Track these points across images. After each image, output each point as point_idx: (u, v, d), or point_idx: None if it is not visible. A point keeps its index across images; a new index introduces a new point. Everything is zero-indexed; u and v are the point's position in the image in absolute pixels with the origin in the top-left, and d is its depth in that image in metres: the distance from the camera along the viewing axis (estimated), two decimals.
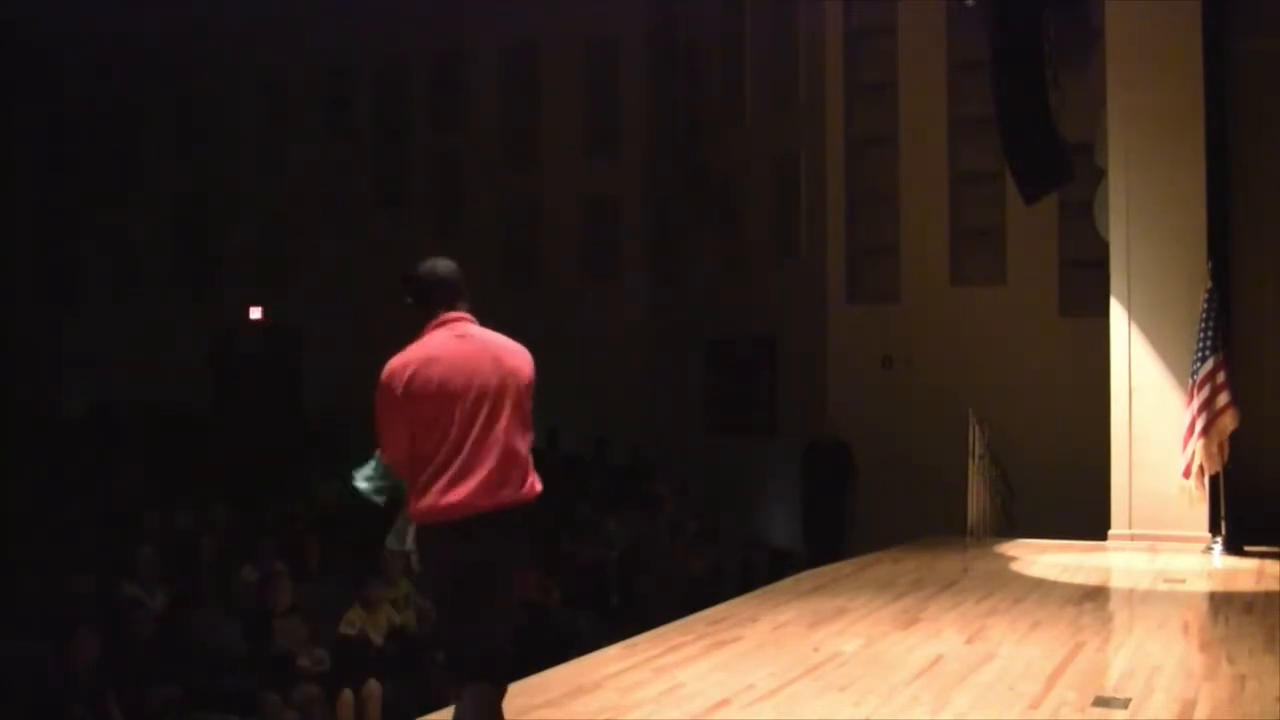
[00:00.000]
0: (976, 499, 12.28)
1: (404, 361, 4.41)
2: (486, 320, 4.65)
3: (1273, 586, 9.34)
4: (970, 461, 12.22)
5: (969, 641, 7.39)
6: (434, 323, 4.52)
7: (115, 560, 9.62)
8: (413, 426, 4.37)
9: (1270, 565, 10.25)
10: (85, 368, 21.45)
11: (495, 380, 4.44)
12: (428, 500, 4.34)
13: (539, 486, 4.53)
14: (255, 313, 21.80)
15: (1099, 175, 12.27)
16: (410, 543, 4.59)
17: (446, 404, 4.36)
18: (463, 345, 4.47)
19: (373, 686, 8.62)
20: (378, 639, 9.15)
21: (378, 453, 4.62)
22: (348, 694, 8.50)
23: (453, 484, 4.33)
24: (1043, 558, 10.89)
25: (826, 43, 16.44)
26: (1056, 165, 11.67)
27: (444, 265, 4.61)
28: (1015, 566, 10.53)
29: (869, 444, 14.68)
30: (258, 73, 21.61)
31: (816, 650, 7.07)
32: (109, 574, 9.28)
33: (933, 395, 14.88)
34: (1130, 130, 11.63)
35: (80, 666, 7.50)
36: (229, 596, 9.65)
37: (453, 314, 4.53)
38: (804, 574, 10.28)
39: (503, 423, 4.42)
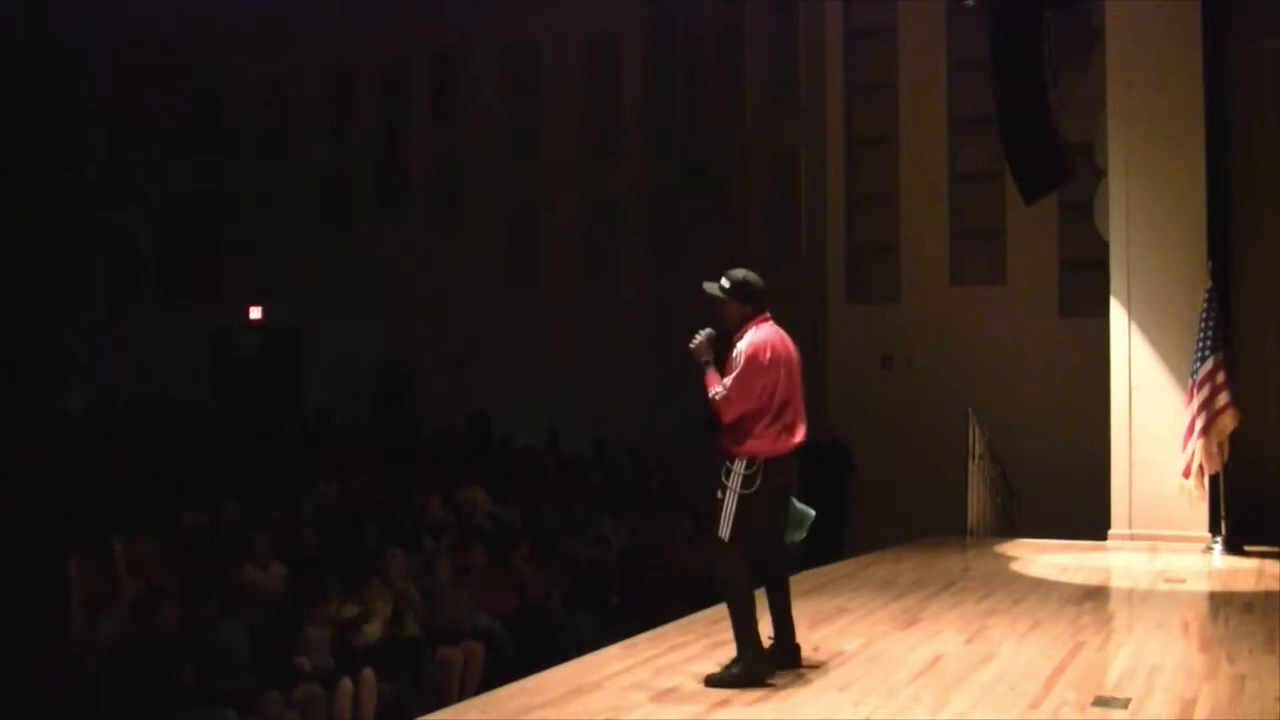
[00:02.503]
0: (976, 499, 12.29)
1: (761, 344, 6.34)
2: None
3: (1273, 586, 9.35)
4: (970, 461, 12.23)
5: (969, 641, 7.39)
6: (759, 319, 6.41)
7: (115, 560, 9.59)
8: (762, 387, 6.27)
9: (1270, 565, 10.26)
10: (85, 368, 21.43)
11: (795, 360, 6.49)
12: (766, 442, 6.30)
13: None
14: (255, 313, 21.77)
15: (1099, 175, 12.27)
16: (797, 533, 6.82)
17: (780, 374, 6.36)
18: (778, 335, 6.46)
19: (367, 675, 8.59)
20: (378, 639, 9.14)
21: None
22: (346, 682, 8.49)
23: (786, 431, 6.36)
24: (1043, 558, 10.88)
25: (826, 43, 16.45)
26: (1056, 165, 11.68)
27: (758, 278, 6.47)
28: (1015, 566, 10.53)
29: (869, 444, 14.69)
30: (258, 73, 21.59)
31: (816, 650, 7.06)
32: (109, 573, 9.25)
33: (933, 395, 14.88)
34: (1130, 130, 11.64)
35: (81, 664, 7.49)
36: (229, 596, 9.62)
37: (766, 313, 6.45)
38: (804, 574, 10.26)
39: (799, 389, 6.46)
